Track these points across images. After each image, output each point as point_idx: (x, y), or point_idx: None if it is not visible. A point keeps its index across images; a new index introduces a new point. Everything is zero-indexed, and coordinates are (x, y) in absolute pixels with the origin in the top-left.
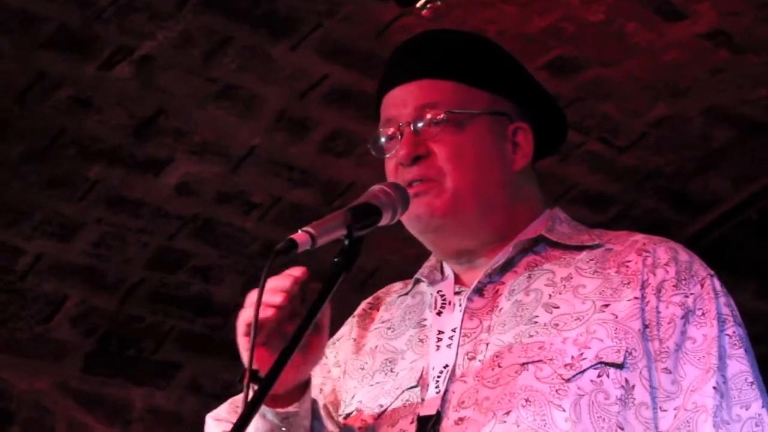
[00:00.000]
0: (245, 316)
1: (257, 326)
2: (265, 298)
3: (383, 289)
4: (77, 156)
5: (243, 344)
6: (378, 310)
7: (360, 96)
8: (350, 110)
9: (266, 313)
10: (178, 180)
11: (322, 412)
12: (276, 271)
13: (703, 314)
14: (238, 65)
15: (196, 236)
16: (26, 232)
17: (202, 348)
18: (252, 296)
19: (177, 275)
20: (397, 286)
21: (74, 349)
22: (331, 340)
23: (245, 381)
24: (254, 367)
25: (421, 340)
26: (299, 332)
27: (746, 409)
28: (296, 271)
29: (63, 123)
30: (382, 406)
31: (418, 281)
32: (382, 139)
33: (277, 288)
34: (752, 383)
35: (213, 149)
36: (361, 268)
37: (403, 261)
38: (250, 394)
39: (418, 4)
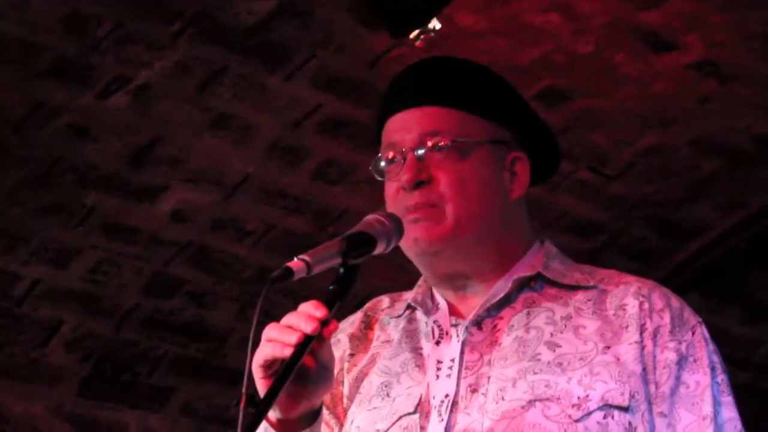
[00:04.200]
0: (262, 353)
1: (253, 348)
2: (281, 336)
3: (369, 305)
4: (74, 183)
5: (258, 373)
6: (373, 330)
7: (353, 125)
8: (343, 139)
9: (285, 352)
10: (173, 207)
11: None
12: (271, 298)
13: (695, 361)
14: (232, 95)
15: (191, 263)
16: (23, 258)
17: (196, 372)
18: (269, 331)
19: (172, 301)
20: (385, 303)
21: (70, 373)
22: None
23: (242, 405)
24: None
25: (417, 366)
26: (295, 358)
27: None
28: (318, 312)
29: (60, 151)
30: (379, 431)
31: (411, 308)
32: (382, 163)
33: (295, 327)
34: (741, 430)
35: (208, 177)
36: (354, 295)
37: (395, 287)
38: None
39: (412, 35)
